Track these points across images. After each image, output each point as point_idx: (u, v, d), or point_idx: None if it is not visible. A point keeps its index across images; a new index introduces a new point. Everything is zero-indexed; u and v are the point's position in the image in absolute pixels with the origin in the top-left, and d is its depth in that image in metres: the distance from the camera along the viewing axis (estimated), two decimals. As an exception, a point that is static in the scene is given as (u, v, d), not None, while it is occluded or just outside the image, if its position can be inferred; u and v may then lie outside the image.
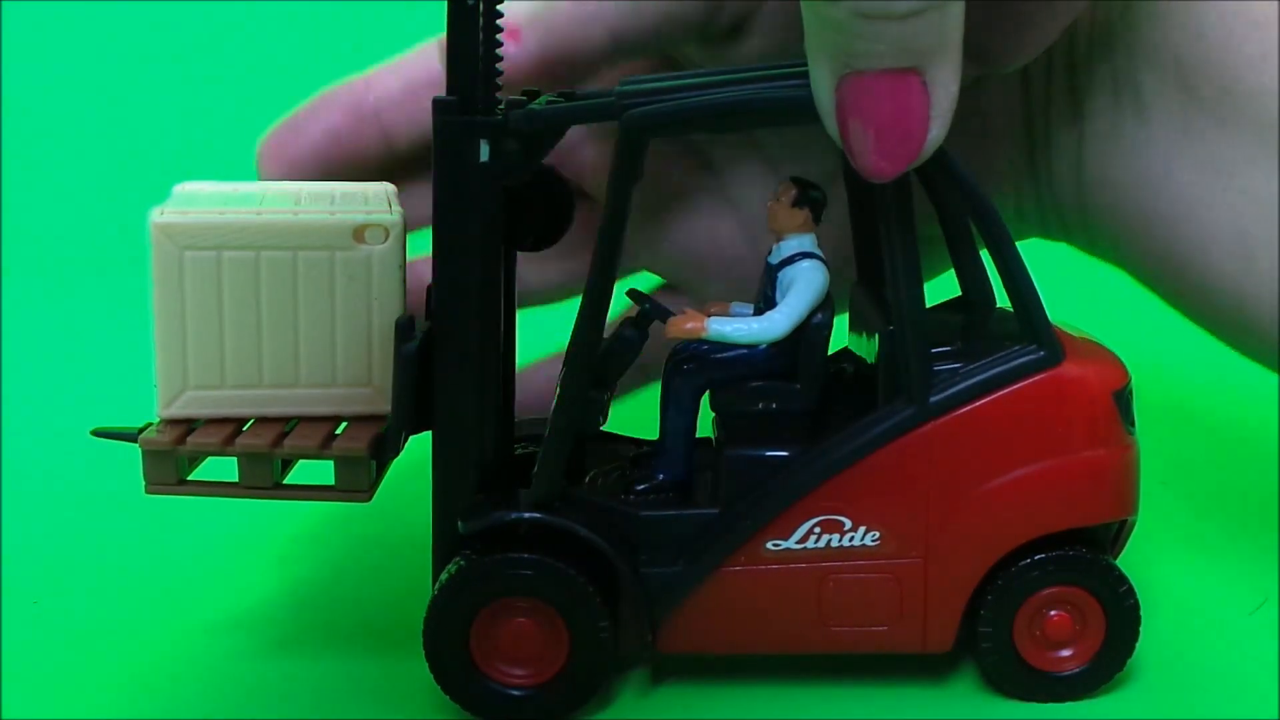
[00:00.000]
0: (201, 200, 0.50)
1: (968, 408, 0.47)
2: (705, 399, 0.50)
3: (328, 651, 0.53)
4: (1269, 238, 0.51)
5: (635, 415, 0.56)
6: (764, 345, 0.49)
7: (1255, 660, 0.52)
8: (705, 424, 0.51)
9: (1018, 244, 0.48)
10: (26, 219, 1.14)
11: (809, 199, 0.49)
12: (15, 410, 0.80)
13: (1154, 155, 0.53)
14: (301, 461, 0.49)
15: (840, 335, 0.52)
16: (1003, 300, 0.49)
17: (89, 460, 0.64)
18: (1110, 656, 0.49)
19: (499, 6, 0.48)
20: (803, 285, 0.49)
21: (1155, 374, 0.71)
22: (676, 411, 0.50)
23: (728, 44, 0.54)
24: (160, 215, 0.48)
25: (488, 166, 0.47)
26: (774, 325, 0.48)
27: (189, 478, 0.49)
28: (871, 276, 0.53)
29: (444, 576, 0.48)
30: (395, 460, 0.50)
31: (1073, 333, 0.51)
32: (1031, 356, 0.48)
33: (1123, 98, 0.54)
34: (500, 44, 0.48)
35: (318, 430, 0.49)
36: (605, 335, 0.48)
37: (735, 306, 0.52)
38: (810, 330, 0.49)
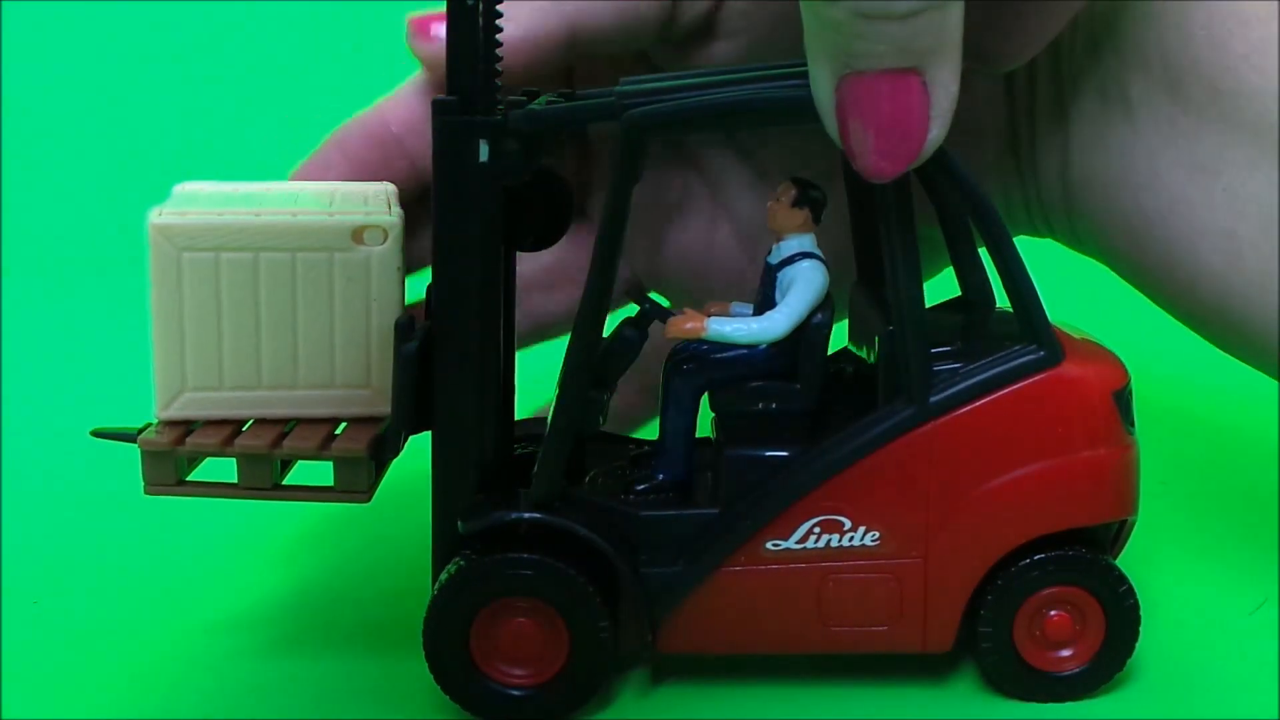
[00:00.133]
0: (201, 201, 0.50)
1: (968, 408, 0.47)
2: (705, 399, 0.50)
3: (328, 651, 0.53)
4: (1256, 237, 0.51)
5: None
6: (764, 345, 0.49)
7: (1255, 660, 0.52)
8: (705, 424, 0.51)
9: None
10: (26, 219, 1.14)
11: (809, 199, 0.49)
12: (15, 410, 0.80)
13: (1141, 155, 0.53)
14: (301, 462, 0.49)
15: (840, 335, 0.52)
16: (1003, 300, 0.49)
17: (89, 460, 0.64)
18: (1110, 656, 0.49)
19: (498, 6, 0.48)
20: (802, 285, 0.49)
21: (1155, 374, 0.71)
22: (676, 411, 0.50)
23: (692, 46, 0.54)
24: (159, 216, 0.48)
25: (488, 166, 0.47)
26: (774, 325, 0.48)
27: (188, 478, 0.49)
28: (871, 276, 0.53)
29: (444, 576, 0.48)
30: (395, 460, 0.50)
31: (1073, 333, 0.51)
32: (1031, 356, 0.48)
33: (1110, 98, 0.54)
34: (500, 44, 0.48)
35: (317, 431, 0.49)
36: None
37: (735, 306, 0.52)
38: (810, 330, 0.49)
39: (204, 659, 0.53)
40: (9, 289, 1.05)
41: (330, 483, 0.48)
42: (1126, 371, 0.50)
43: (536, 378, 0.56)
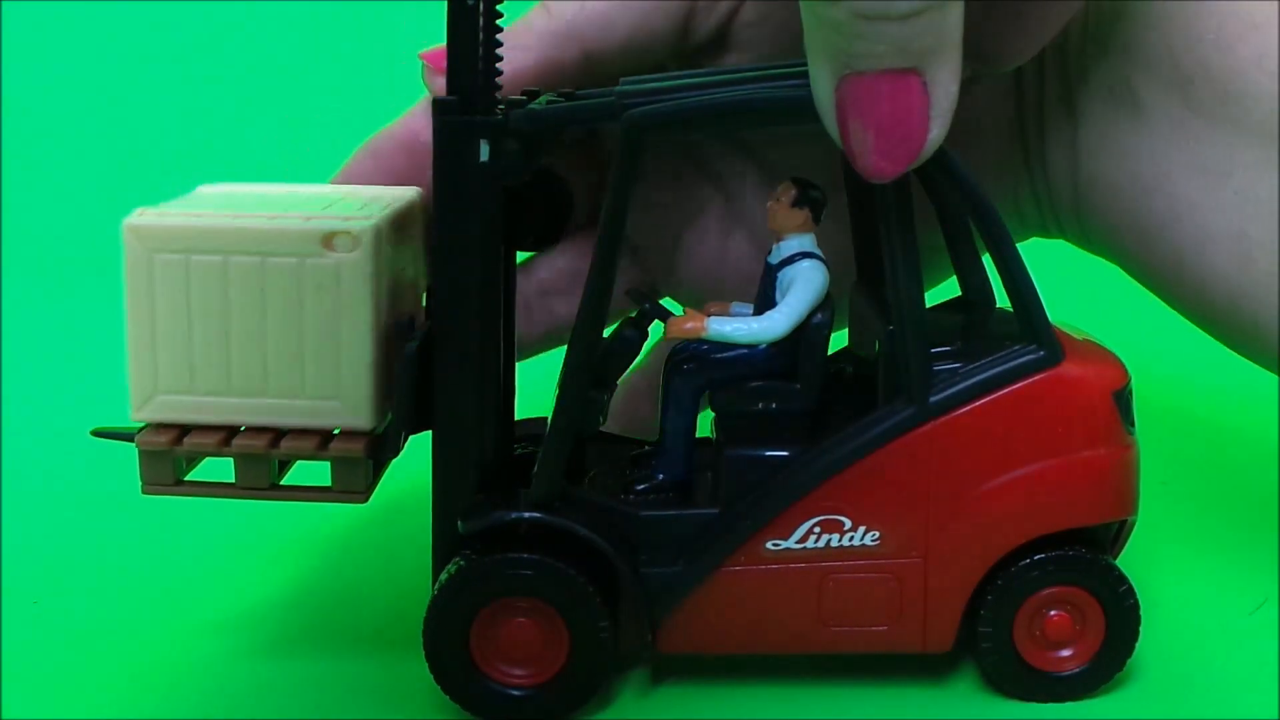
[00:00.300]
0: (200, 202, 0.50)
1: (967, 408, 0.47)
2: (705, 399, 0.50)
3: (328, 651, 0.53)
4: (1267, 239, 0.51)
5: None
6: (764, 345, 0.49)
7: (1255, 660, 0.52)
8: (705, 424, 0.51)
9: (1018, 244, 0.48)
10: (26, 219, 1.14)
11: (809, 199, 0.49)
12: (15, 410, 0.80)
13: (1150, 157, 0.53)
14: (299, 462, 0.49)
15: (840, 335, 0.52)
16: (1003, 300, 0.49)
17: (89, 460, 0.64)
18: (1110, 656, 0.49)
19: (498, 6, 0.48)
20: (802, 285, 0.49)
21: (1155, 374, 0.71)
22: (676, 411, 0.50)
23: (704, 61, 0.54)
24: (137, 217, 0.47)
25: (488, 166, 0.47)
26: (774, 325, 0.48)
27: (186, 478, 0.49)
28: (871, 276, 0.53)
29: (444, 576, 0.48)
30: (395, 460, 0.50)
31: (1073, 333, 0.51)
32: (1031, 356, 0.48)
33: (1119, 99, 0.54)
34: (500, 44, 0.48)
35: (315, 431, 0.49)
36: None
37: (735, 306, 0.52)
38: (810, 330, 0.49)
39: (204, 659, 0.53)
40: (9, 289, 1.05)
41: (328, 483, 0.48)
42: (1126, 371, 0.50)
43: (536, 378, 0.56)
